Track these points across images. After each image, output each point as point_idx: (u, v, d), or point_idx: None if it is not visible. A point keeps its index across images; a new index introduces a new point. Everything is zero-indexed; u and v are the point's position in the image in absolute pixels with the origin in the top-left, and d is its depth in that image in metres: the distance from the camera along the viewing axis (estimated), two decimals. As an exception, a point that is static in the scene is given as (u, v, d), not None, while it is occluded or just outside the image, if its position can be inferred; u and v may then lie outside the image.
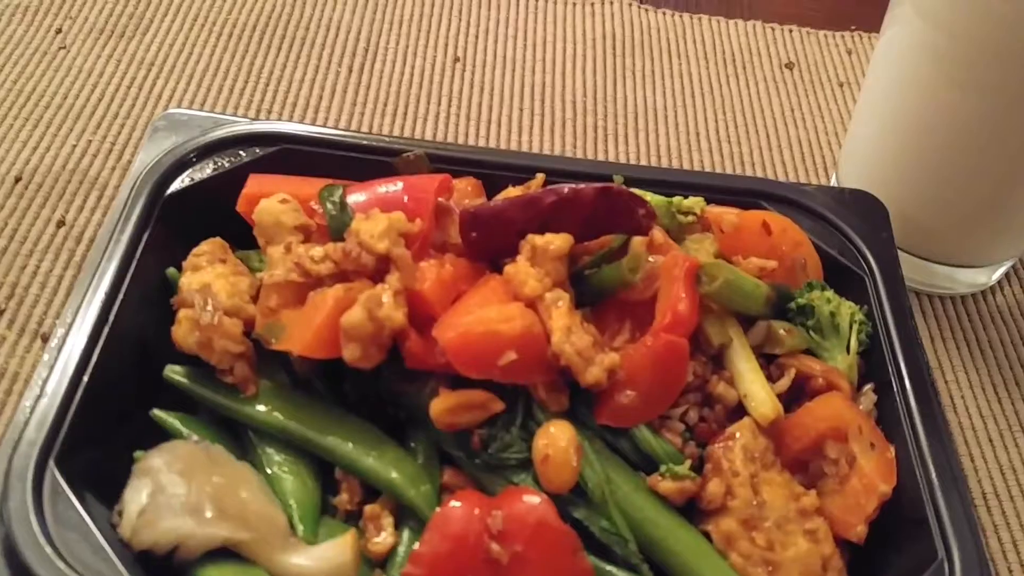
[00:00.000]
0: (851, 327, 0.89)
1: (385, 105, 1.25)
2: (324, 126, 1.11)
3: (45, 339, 0.95)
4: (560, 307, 0.81)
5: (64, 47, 1.26)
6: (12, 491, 0.69)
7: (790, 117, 1.34)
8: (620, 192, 0.85)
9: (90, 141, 1.15)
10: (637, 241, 0.86)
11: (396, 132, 1.22)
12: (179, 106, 1.21)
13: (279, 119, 1.21)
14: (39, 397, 0.75)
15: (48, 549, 0.66)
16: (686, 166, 1.23)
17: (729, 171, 1.23)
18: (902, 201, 1.07)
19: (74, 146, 1.14)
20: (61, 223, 1.06)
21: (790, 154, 1.28)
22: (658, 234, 0.87)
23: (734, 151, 1.27)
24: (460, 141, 1.22)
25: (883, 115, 1.11)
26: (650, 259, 0.85)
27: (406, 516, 0.78)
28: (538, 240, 0.83)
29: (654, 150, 1.24)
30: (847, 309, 0.90)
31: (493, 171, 0.97)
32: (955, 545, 0.76)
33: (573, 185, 0.85)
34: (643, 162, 1.22)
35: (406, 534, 0.77)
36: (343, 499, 0.79)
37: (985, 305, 1.14)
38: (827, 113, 1.36)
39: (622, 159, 1.22)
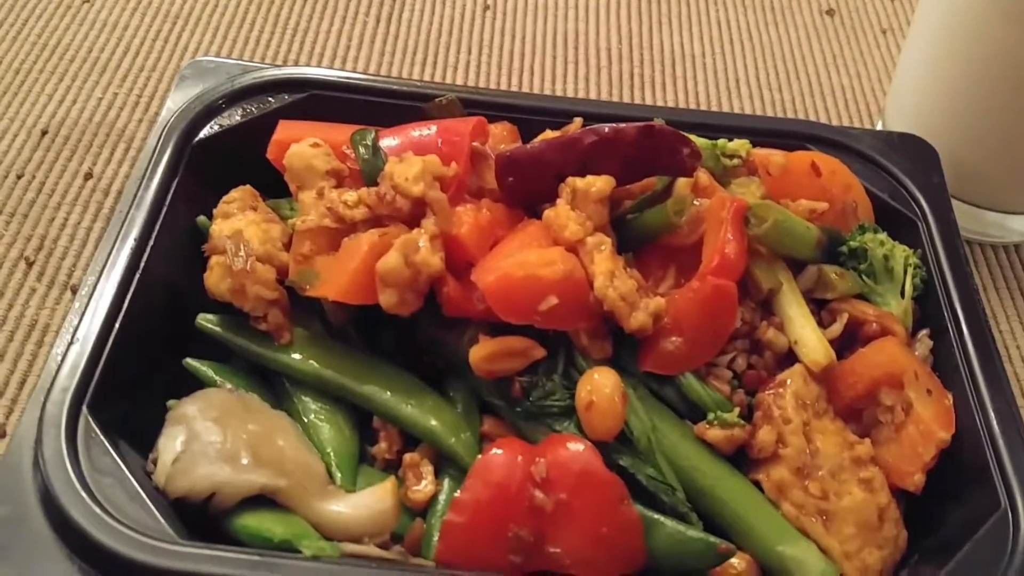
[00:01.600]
0: (905, 271, 0.86)
1: (414, 54, 1.22)
2: (353, 71, 1.08)
3: (75, 291, 0.94)
4: (603, 251, 0.78)
5: (89, 0, 1.24)
6: (46, 437, 0.67)
7: (831, 64, 1.30)
8: (663, 131, 0.82)
9: (116, 94, 1.13)
10: (682, 183, 0.83)
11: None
12: (205, 56, 1.18)
13: (307, 68, 1.18)
14: (70, 344, 0.73)
15: (84, 494, 0.65)
16: (726, 114, 1.19)
17: (771, 118, 1.19)
18: (952, 146, 1.03)
19: (100, 99, 1.12)
20: (89, 175, 1.04)
21: (832, 101, 1.24)
22: (703, 175, 0.84)
23: (775, 98, 1.23)
24: (492, 89, 1.19)
25: (932, 57, 1.06)
26: (695, 202, 0.82)
27: (446, 465, 0.76)
28: (579, 183, 0.80)
29: (692, 98, 1.21)
30: (901, 252, 0.86)
31: (529, 116, 0.94)
32: (1019, 495, 0.73)
33: (614, 125, 0.82)
34: (681, 110, 1.18)
35: (447, 482, 0.75)
36: (382, 448, 0.77)
37: (1039, 253, 1.10)
38: (870, 60, 1.31)
39: (663, 106, 1.18)
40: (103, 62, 1.16)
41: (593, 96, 1.19)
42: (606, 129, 0.82)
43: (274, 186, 0.87)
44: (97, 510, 0.64)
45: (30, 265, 0.95)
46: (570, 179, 0.81)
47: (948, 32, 1.02)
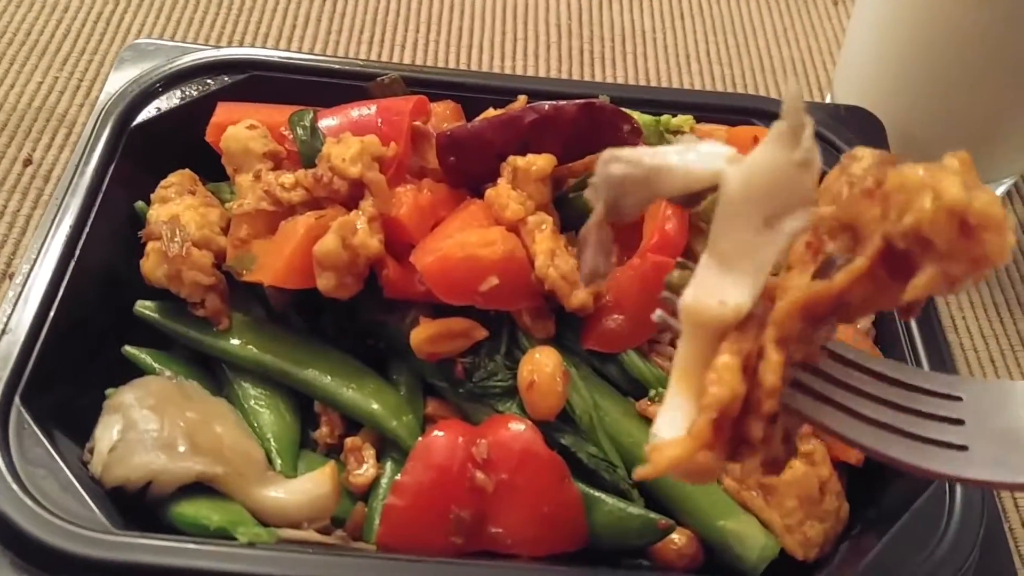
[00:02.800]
0: (847, 245, 0.86)
1: (360, 33, 1.21)
2: (296, 51, 1.06)
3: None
4: (544, 231, 0.78)
5: (27, -19, 1.21)
6: (-25, 429, 0.66)
7: (783, 37, 1.29)
8: (603, 108, 0.81)
9: (56, 77, 1.11)
10: (623, 160, 0.83)
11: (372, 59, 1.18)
12: (148, 38, 1.16)
13: (251, 49, 1.17)
14: (2, 333, 0.72)
15: (14, 486, 0.64)
16: (676, 89, 1.19)
17: (721, 93, 1.19)
18: (898, 117, 1.03)
19: (40, 83, 1.10)
20: (28, 162, 1.02)
21: (783, 74, 1.24)
22: (645, 152, 0.84)
23: (725, 73, 1.22)
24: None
25: (879, 30, 1.06)
26: (636, 178, 0.81)
27: (388, 448, 0.76)
28: (519, 161, 0.80)
29: (643, 74, 1.20)
30: (842, 226, 0.86)
31: (473, 94, 0.93)
32: (955, 463, 0.73)
33: (554, 103, 0.81)
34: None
35: (388, 466, 0.75)
36: (323, 432, 0.77)
37: (985, 224, 1.11)
38: (821, 32, 1.31)
39: (609, 83, 1.18)
40: (42, 44, 1.14)
41: (543, 73, 1.18)
42: (546, 107, 0.81)
43: (214, 170, 0.86)
44: (27, 501, 0.63)
45: (-33, 254, 0.94)
46: (511, 158, 0.81)
47: (894, 5, 1.02)
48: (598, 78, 1.19)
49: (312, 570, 0.62)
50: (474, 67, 1.18)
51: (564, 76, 1.18)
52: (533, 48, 1.21)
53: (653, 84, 1.18)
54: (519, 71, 1.18)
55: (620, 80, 1.19)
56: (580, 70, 1.19)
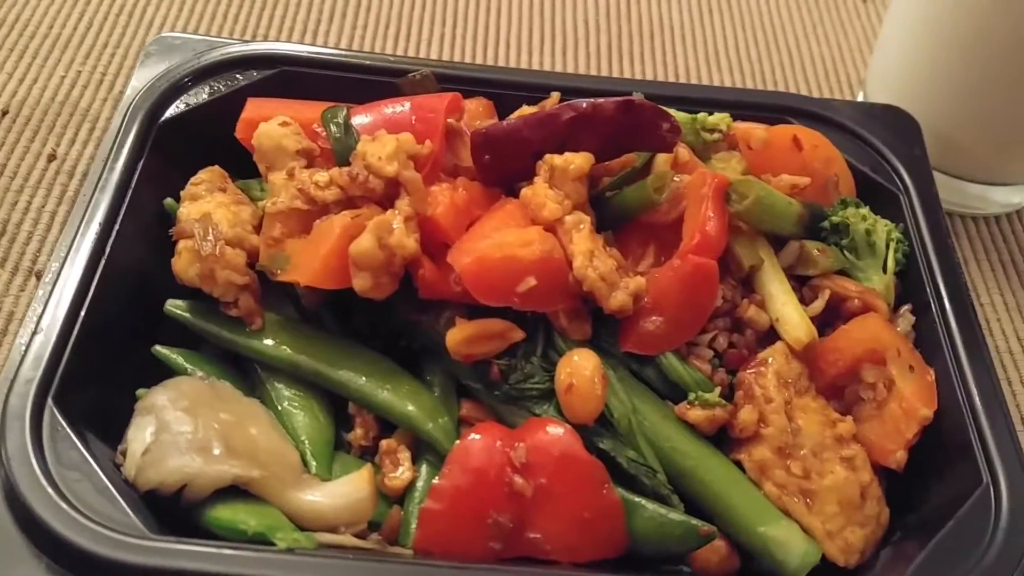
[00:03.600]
0: (888, 246, 0.85)
1: (386, 28, 1.19)
2: (324, 46, 1.05)
3: (39, 277, 0.91)
4: (582, 230, 0.77)
5: (49, -26, 1.20)
6: (10, 431, 0.65)
7: (812, 34, 1.28)
8: (643, 106, 0.80)
9: (79, 71, 1.10)
10: (661, 159, 0.82)
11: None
12: (170, 32, 1.15)
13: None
14: (34, 333, 0.71)
15: (50, 490, 0.63)
16: (706, 86, 1.17)
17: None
18: (933, 117, 1.01)
19: (63, 77, 1.09)
20: (52, 157, 1.01)
21: (813, 72, 1.22)
22: (683, 151, 0.83)
23: (755, 69, 1.21)
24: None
25: (915, 27, 1.05)
26: (675, 178, 0.80)
27: (423, 450, 0.75)
28: (557, 160, 0.79)
29: (672, 70, 1.18)
30: (883, 227, 0.85)
31: (505, 91, 0.92)
32: (1001, 470, 0.72)
33: (592, 100, 0.80)
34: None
35: (424, 469, 0.73)
36: (357, 434, 0.75)
37: (1020, 225, 1.09)
38: (850, 30, 1.29)
39: (643, 79, 1.16)
40: (65, 38, 1.13)
41: (571, 69, 1.17)
42: (584, 104, 0.80)
43: (243, 166, 0.85)
44: (64, 506, 0.62)
45: (-8, 250, 0.92)
46: (548, 156, 0.79)
47: (932, 2, 1.01)
48: (627, 74, 1.17)
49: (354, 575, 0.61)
50: (501, 63, 1.16)
51: (592, 72, 1.17)
52: (561, 44, 1.20)
53: (682, 80, 1.17)
54: (547, 67, 1.17)
55: (649, 76, 1.17)
56: (608, 66, 1.18)
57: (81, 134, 1.03)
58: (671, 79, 1.17)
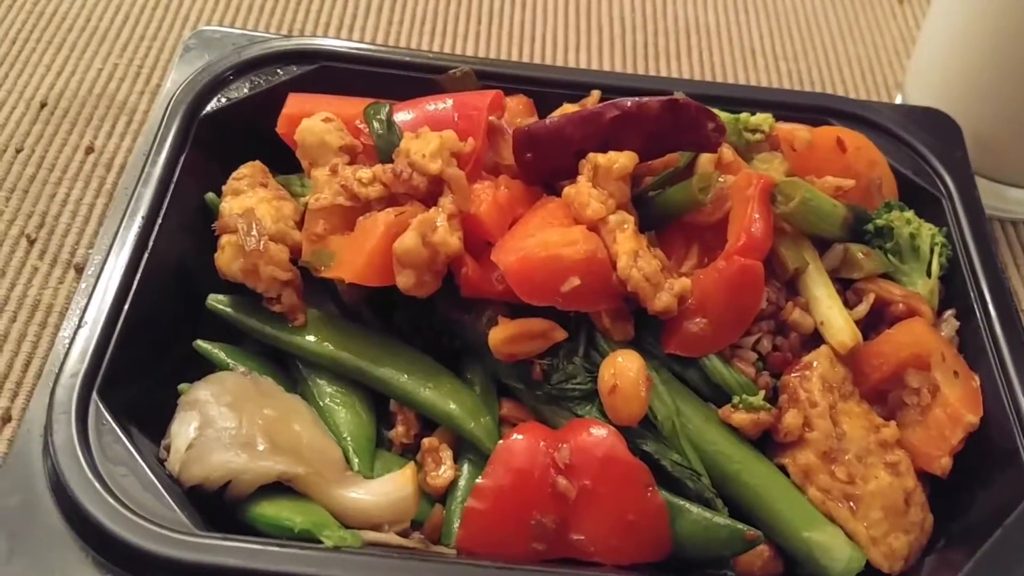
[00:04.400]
0: (932, 250, 0.84)
1: (422, 24, 1.19)
2: (362, 42, 1.05)
3: (79, 270, 0.91)
4: (626, 230, 0.76)
5: (85, -33, 1.20)
6: (56, 424, 0.66)
7: (848, 34, 1.27)
8: (688, 105, 0.79)
9: (116, 64, 1.10)
10: (705, 159, 0.81)
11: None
12: (207, 26, 1.14)
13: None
14: (78, 327, 0.71)
15: (97, 484, 0.63)
16: (742, 86, 1.17)
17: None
18: (975, 119, 1.00)
19: (100, 70, 1.09)
20: (90, 149, 1.01)
21: (850, 73, 1.21)
22: (727, 151, 0.82)
23: (791, 69, 1.20)
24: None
25: (957, 29, 1.03)
26: (720, 179, 0.80)
27: (465, 449, 0.74)
28: (601, 159, 0.78)
29: (708, 69, 1.18)
30: (927, 231, 0.84)
31: (545, 88, 0.92)
32: (1049, 479, 0.72)
33: (637, 99, 0.79)
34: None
35: (466, 468, 0.73)
36: (399, 432, 0.75)
37: (1061, 230, 1.08)
38: (887, 31, 1.28)
39: (683, 78, 1.15)
40: (102, 31, 1.13)
41: (606, 67, 1.16)
42: (628, 103, 0.79)
43: (283, 162, 0.85)
44: (111, 500, 0.62)
45: (31, 243, 0.93)
46: (591, 155, 0.79)
47: (974, 3, 1.00)
48: (662, 73, 1.16)
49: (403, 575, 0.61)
50: (536, 61, 1.16)
51: (628, 71, 1.16)
52: (596, 42, 1.19)
53: (719, 80, 1.16)
54: (582, 65, 1.16)
55: (685, 75, 1.16)
56: (644, 64, 1.17)
57: (118, 127, 1.03)
58: (706, 78, 1.16)
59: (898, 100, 1.15)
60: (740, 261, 0.75)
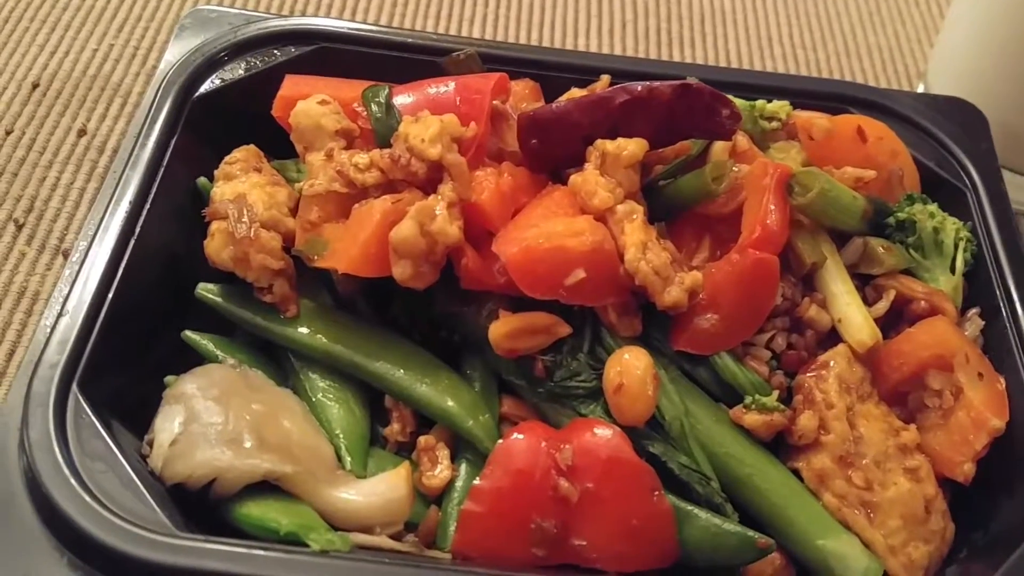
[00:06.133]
0: (956, 245, 0.80)
1: (427, 6, 1.16)
2: (364, 23, 1.01)
3: (67, 256, 0.88)
4: (634, 221, 0.73)
5: (81, -55, 1.17)
6: (33, 418, 0.62)
7: (868, 22, 1.23)
8: (701, 90, 0.75)
9: (112, 45, 1.07)
10: (719, 147, 0.77)
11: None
12: (209, 5, 1.11)
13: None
14: (60, 315, 0.68)
15: (73, 481, 0.60)
16: (757, 74, 1.13)
17: (805, 79, 1.13)
18: (1001, 110, 0.97)
19: (95, 50, 1.06)
20: (82, 132, 0.98)
21: (870, 62, 1.17)
22: (742, 140, 0.78)
23: (809, 58, 1.16)
24: (510, 45, 1.12)
25: (983, 17, 1.00)
26: (734, 168, 0.76)
27: (462, 448, 0.71)
28: (609, 145, 0.74)
29: (723, 56, 1.14)
30: (952, 225, 0.81)
31: (552, 72, 0.88)
32: (1078, 488, 0.68)
33: (647, 83, 0.76)
34: (710, 70, 1.12)
35: (463, 468, 0.70)
36: (394, 429, 0.72)
37: (1089, 226, 1.04)
38: (908, 19, 1.24)
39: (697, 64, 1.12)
40: (98, 10, 1.10)
41: (617, 52, 1.12)
42: (639, 88, 0.75)
43: (279, 146, 0.82)
44: (88, 499, 0.59)
45: (19, 227, 0.90)
46: (599, 142, 0.75)
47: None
48: (675, 59, 1.13)
49: (394, 584, 0.58)
50: (546, 45, 1.12)
51: (641, 56, 1.12)
52: (608, 26, 1.15)
53: (735, 67, 1.12)
54: (592, 50, 1.12)
55: (699, 62, 1.13)
56: (657, 50, 1.13)
57: (112, 109, 1.01)
58: (722, 65, 1.13)
59: (920, 90, 1.11)
60: (755, 255, 0.72)
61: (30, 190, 0.93)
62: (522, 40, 1.13)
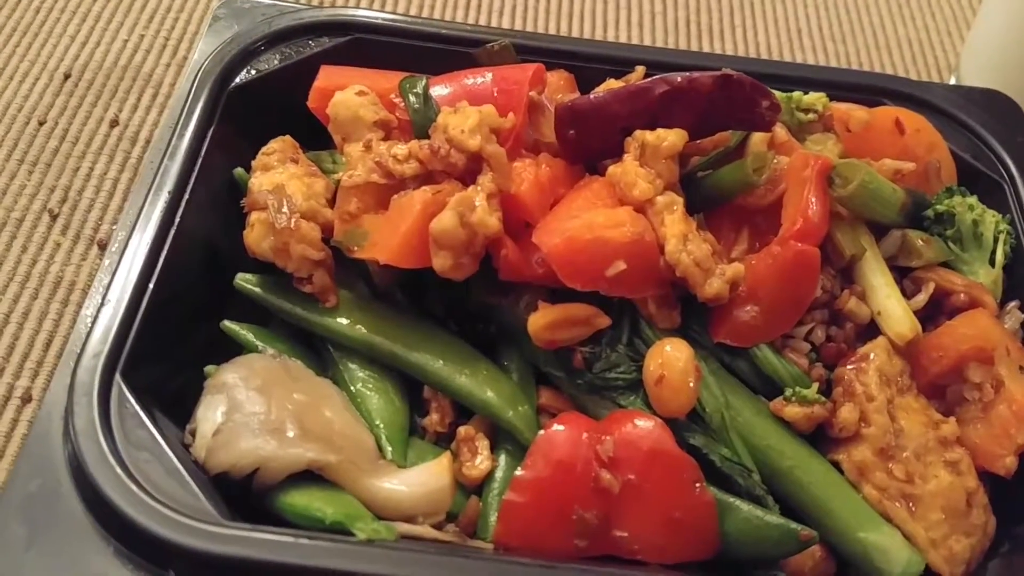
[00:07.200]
0: (996, 238, 0.80)
1: (457, -2, 1.15)
2: (396, 13, 1.01)
3: (102, 246, 0.88)
4: (674, 212, 0.72)
5: (111, -64, 1.17)
6: (78, 406, 0.63)
7: (898, 14, 1.22)
8: (742, 82, 0.75)
9: (143, 36, 1.07)
10: (758, 138, 0.77)
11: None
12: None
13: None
14: (101, 305, 0.68)
15: (119, 470, 0.60)
16: (787, 66, 1.12)
17: (835, 72, 1.12)
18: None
19: (125, 41, 1.06)
20: (115, 123, 0.98)
21: (900, 54, 1.17)
22: (780, 131, 0.78)
23: (839, 50, 1.15)
24: (541, 36, 1.12)
25: (1017, 4, 0.99)
26: (773, 159, 0.75)
27: (501, 439, 0.71)
28: (648, 136, 0.74)
29: (752, 47, 1.13)
30: (991, 218, 0.80)
31: (587, 64, 0.88)
32: (1123, 482, 0.67)
33: (687, 74, 0.75)
34: (740, 62, 1.11)
35: (503, 458, 0.70)
36: (433, 420, 0.72)
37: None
38: (939, 11, 1.23)
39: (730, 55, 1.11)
40: (128, 1, 1.10)
41: (648, 43, 1.12)
42: (679, 78, 0.75)
43: (314, 137, 0.82)
44: (133, 487, 0.59)
45: (54, 218, 0.90)
46: (638, 132, 0.75)
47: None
48: (705, 50, 1.12)
49: (442, 572, 0.57)
50: (575, 36, 1.12)
51: (672, 47, 1.12)
52: (637, 18, 1.15)
53: (764, 58, 1.11)
54: (622, 41, 1.12)
55: (729, 54, 1.12)
56: (687, 41, 1.13)
57: (144, 100, 1.01)
58: (752, 57, 1.12)
59: (951, 81, 1.10)
60: (796, 246, 0.71)
61: (64, 180, 0.93)
62: (551, 30, 1.12)
